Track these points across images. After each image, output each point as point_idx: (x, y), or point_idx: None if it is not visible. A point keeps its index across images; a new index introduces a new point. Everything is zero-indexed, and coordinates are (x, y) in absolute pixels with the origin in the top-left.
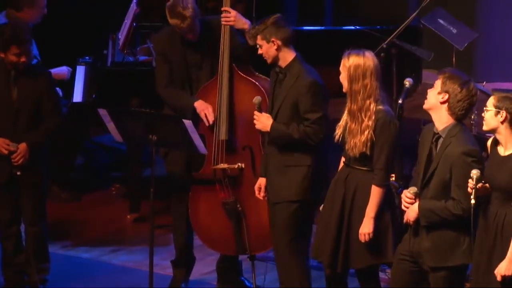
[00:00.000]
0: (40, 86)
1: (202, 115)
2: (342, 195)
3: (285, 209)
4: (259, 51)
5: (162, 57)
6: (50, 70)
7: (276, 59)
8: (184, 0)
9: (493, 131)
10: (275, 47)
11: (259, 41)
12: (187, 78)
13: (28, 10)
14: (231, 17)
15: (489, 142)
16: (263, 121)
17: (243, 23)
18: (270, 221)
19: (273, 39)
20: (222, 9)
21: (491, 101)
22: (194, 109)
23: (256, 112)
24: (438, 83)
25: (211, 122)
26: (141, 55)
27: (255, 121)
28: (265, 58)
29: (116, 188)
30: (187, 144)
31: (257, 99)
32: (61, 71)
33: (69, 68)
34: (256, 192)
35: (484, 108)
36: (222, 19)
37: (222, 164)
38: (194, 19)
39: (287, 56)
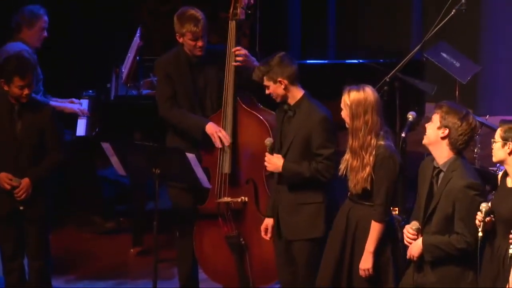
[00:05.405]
0: (43, 119)
1: (215, 138)
2: (344, 228)
3: (306, 248)
4: (267, 91)
5: (166, 79)
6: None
7: (285, 98)
8: (194, 8)
9: (501, 162)
10: (283, 86)
11: (266, 82)
12: (198, 102)
13: (26, 31)
14: (244, 57)
15: (500, 175)
16: (275, 163)
17: (252, 61)
18: (277, 258)
19: (279, 79)
20: (234, 49)
21: (498, 133)
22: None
23: (267, 154)
24: (436, 118)
25: (227, 144)
26: (144, 88)
27: (266, 163)
28: (273, 97)
29: (120, 221)
30: (190, 177)
31: (268, 140)
32: (71, 106)
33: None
34: (263, 233)
35: (492, 139)
36: (236, 59)
37: (225, 198)
38: (206, 26)
39: (296, 94)
